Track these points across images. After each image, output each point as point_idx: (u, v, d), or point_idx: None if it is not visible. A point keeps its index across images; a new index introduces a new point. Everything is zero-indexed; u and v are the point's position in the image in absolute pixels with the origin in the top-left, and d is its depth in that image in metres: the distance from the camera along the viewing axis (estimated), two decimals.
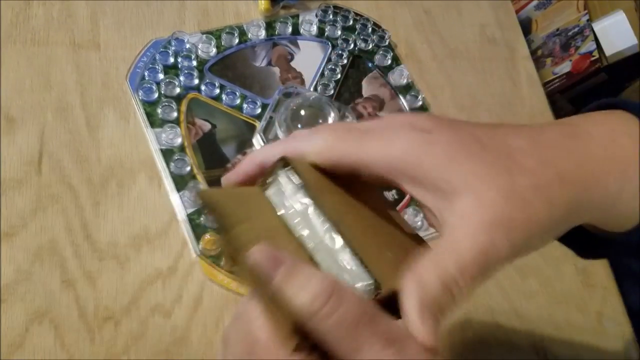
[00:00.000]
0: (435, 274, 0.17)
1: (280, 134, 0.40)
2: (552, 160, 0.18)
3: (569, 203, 0.18)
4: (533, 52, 0.64)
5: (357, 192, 0.20)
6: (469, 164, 0.17)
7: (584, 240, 0.22)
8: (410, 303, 0.16)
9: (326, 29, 0.47)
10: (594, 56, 0.60)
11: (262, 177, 0.20)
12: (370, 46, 0.47)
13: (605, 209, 0.19)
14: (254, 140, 0.40)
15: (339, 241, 0.18)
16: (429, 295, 0.16)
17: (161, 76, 0.40)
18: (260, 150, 0.22)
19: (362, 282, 0.17)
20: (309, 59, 0.45)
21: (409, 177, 0.18)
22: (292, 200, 0.19)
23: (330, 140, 0.19)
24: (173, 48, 0.41)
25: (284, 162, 0.20)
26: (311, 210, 0.19)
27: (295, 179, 0.19)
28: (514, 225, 0.17)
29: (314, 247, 0.18)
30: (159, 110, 0.39)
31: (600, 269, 0.41)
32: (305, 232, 0.18)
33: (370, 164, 0.19)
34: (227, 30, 0.43)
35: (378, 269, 0.18)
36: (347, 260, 0.18)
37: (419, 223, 0.40)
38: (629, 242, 0.20)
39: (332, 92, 0.44)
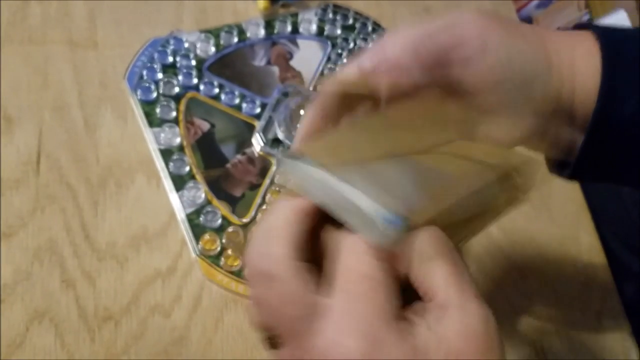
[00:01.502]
0: None
1: (279, 134, 0.40)
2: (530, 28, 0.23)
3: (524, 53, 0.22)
4: None
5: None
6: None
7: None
8: None
9: (326, 28, 0.46)
10: None
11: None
12: (370, 45, 0.47)
13: (567, 81, 0.22)
14: (253, 140, 0.40)
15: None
16: None
17: (159, 75, 0.40)
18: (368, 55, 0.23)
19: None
20: (309, 57, 0.45)
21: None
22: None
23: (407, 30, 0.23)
24: (171, 47, 0.41)
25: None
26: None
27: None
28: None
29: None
30: (158, 110, 0.39)
31: (599, 269, 0.41)
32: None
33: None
34: (225, 29, 0.43)
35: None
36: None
37: None
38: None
39: None
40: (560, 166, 0.25)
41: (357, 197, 0.16)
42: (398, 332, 0.15)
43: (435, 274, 0.16)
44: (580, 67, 0.22)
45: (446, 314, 0.15)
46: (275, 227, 0.17)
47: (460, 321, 0.15)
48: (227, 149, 0.39)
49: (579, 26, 0.25)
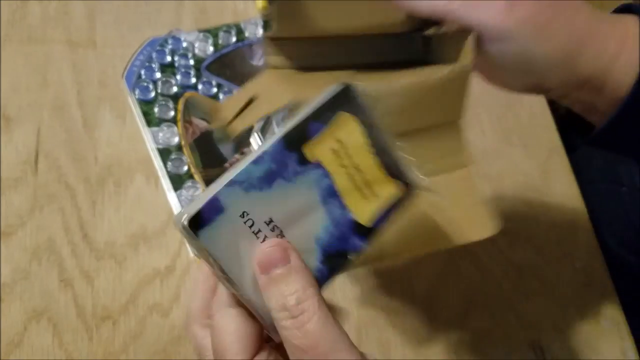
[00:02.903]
0: None
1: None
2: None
3: (569, 35, 0.22)
4: None
5: None
6: None
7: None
8: None
9: None
10: None
11: None
12: None
13: (603, 67, 0.23)
14: (252, 140, 0.40)
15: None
16: None
17: (158, 75, 0.40)
18: None
19: None
20: None
21: None
22: None
23: None
24: (170, 46, 0.41)
25: None
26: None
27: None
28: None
29: None
30: (156, 109, 0.39)
31: (599, 269, 0.41)
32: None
33: None
34: (224, 28, 0.43)
35: None
36: None
37: None
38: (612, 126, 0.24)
39: None
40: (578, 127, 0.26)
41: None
42: None
43: None
44: (628, 47, 0.23)
45: None
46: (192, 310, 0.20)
47: None
48: (225, 149, 0.39)
49: (623, 9, 0.25)
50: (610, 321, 0.39)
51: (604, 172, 0.47)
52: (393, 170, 0.21)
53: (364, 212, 0.20)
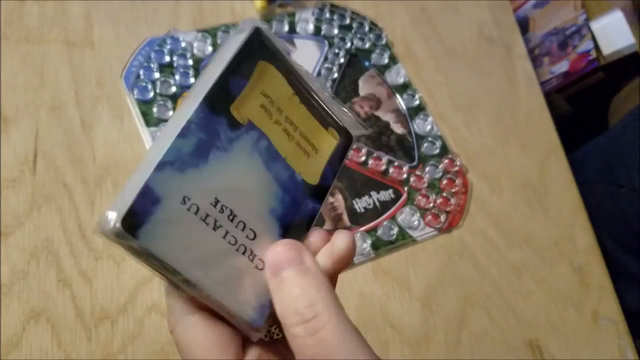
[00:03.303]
0: None
1: None
2: None
3: None
4: (530, 51, 0.64)
5: None
6: None
7: None
8: None
9: (323, 28, 0.46)
10: (591, 55, 0.60)
11: None
12: (367, 45, 0.47)
13: None
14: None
15: None
16: None
17: (156, 75, 0.40)
18: None
19: None
20: (306, 57, 0.45)
21: None
22: None
23: None
24: (168, 46, 0.41)
25: None
26: None
27: None
28: None
29: None
30: (155, 109, 0.39)
31: (596, 268, 0.41)
32: None
33: None
34: (222, 28, 0.43)
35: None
36: None
37: (415, 222, 0.40)
38: None
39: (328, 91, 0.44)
40: None
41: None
42: None
43: None
44: None
45: None
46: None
47: None
48: None
49: None
50: (608, 321, 0.39)
51: (602, 173, 0.48)
52: (325, 118, 0.18)
53: (310, 170, 0.18)
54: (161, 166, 0.14)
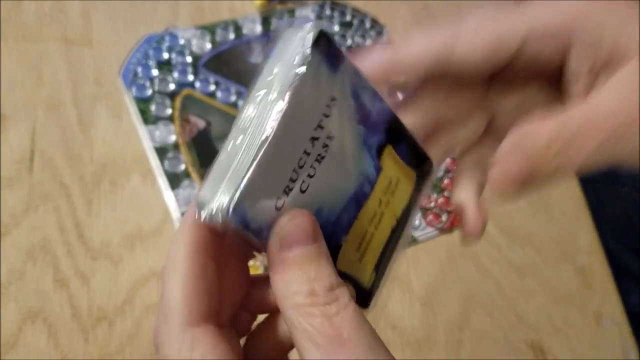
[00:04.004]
0: (553, 127, 0.15)
1: None
2: None
3: None
4: None
5: None
6: None
7: None
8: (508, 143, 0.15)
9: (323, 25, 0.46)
10: None
11: None
12: (368, 42, 0.47)
13: None
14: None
15: None
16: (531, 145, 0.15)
17: (155, 72, 0.40)
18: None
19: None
20: None
21: (581, 40, 0.16)
22: None
23: (484, 20, 0.17)
24: (167, 44, 0.41)
25: None
26: None
27: None
28: None
29: None
30: (153, 107, 0.38)
31: (599, 269, 0.41)
32: None
33: (538, 33, 0.16)
34: (221, 25, 0.43)
35: None
36: None
37: (416, 222, 0.39)
38: None
39: None
40: None
41: None
42: None
43: None
44: None
45: None
46: (166, 299, 0.15)
47: None
48: None
49: None
50: (611, 321, 0.39)
51: (605, 172, 0.47)
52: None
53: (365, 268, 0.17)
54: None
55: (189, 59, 0.41)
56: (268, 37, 0.44)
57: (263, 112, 0.14)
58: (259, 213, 0.14)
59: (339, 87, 0.16)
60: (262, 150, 0.14)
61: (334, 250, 0.16)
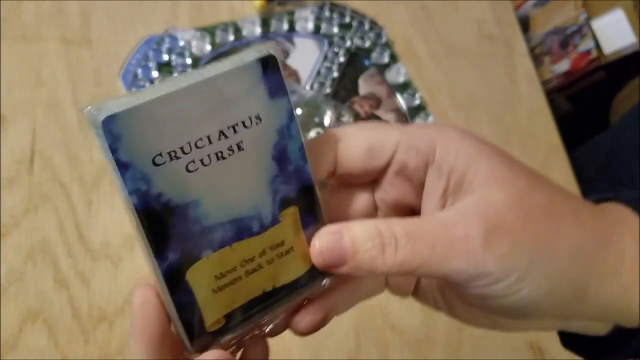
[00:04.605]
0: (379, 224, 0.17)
1: None
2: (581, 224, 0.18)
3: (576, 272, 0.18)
4: (531, 50, 0.64)
5: None
6: (505, 174, 0.18)
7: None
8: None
9: (322, 26, 0.46)
10: (592, 54, 0.60)
11: None
12: (367, 43, 0.47)
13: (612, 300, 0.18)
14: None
15: None
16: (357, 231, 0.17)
17: (155, 74, 0.40)
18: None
19: None
20: (305, 56, 0.44)
21: (436, 165, 0.18)
22: None
23: (362, 130, 0.19)
24: (166, 45, 0.41)
25: None
26: None
27: None
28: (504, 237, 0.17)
29: None
30: None
31: None
32: None
33: (405, 147, 0.18)
34: (221, 26, 0.43)
35: None
36: None
37: None
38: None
39: (328, 90, 0.43)
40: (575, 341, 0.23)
41: None
42: None
43: None
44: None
45: None
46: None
47: None
48: None
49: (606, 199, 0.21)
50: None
51: (603, 172, 0.47)
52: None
53: None
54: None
55: (188, 61, 0.41)
56: (267, 38, 0.44)
57: (200, 70, 0.15)
58: (133, 146, 0.14)
59: (270, 113, 0.16)
60: (171, 90, 0.14)
61: (192, 260, 0.15)
